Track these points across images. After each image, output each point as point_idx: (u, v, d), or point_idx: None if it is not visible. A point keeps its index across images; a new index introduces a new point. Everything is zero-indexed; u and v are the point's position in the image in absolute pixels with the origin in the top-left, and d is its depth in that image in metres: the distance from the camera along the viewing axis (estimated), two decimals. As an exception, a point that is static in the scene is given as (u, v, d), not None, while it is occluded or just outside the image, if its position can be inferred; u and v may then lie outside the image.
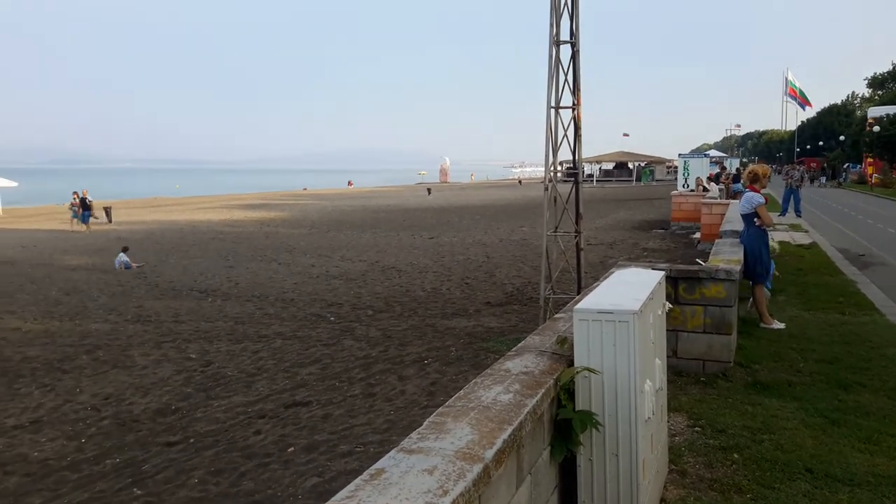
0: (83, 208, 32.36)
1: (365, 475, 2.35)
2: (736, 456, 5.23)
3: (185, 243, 26.72)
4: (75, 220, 32.67)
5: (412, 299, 14.95)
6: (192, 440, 7.44)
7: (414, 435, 2.73)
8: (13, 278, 18.82)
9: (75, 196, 33.08)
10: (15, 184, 50.39)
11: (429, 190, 69.08)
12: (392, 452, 2.55)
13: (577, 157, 11.08)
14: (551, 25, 10.47)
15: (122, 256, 20.63)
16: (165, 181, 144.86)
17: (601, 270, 14.69)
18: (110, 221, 36.57)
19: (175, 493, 6.22)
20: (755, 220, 9.18)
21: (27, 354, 11.11)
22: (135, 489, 6.33)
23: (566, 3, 10.47)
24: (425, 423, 2.87)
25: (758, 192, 9.33)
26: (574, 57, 10.70)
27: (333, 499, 2.18)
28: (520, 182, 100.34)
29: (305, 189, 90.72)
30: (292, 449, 7.07)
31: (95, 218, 33.40)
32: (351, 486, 2.26)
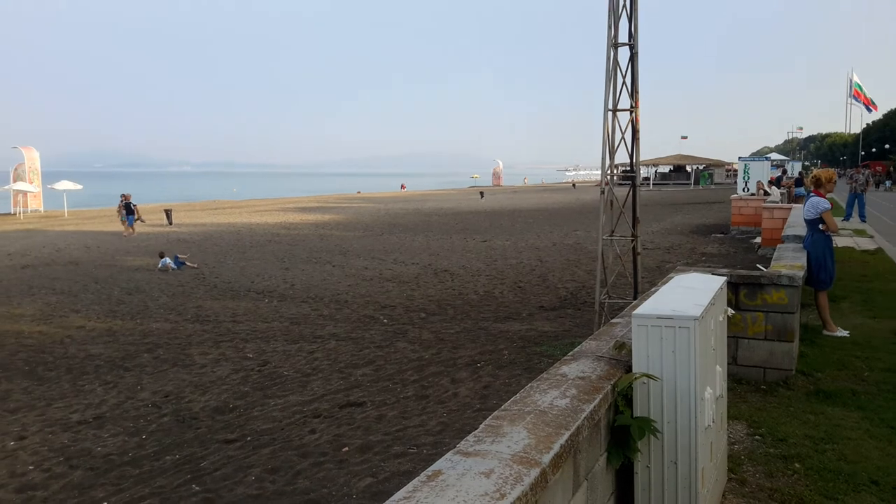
0: (127, 211, 32.66)
1: (422, 476, 2.35)
2: (797, 466, 5.10)
3: (243, 245, 27.22)
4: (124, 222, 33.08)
5: (465, 302, 14.95)
6: (249, 438, 7.57)
7: (470, 437, 2.73)
8: (78, 278, 19.43)
9: (122, 200, 33.44)
10: (80, 187, 52.10)
11: (481, 193, 69.08)
12: (449, 454, 2.55)
13: (634, 160, 10.95)
14: (609, 27, 10.37)
15: (166, 260, 21.10)
16: (223, 184, 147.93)
17: (657, 275, 14.48)
18: (170, 223, 37.47)
19: (233, 489, 6.33)
20: (820, 225, 8.96)
21: (91, 352, 11.45)
22: (193, 485, 6.46)
23: (624, 5, 10.35)
24: (481, 426, 2.87)
25: (823, 196, 9.10)
26: (632, 59, 10.57)
27: (392, 499, 2.19)
28: (573, 185, 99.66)
29: (359, 192, 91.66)
30: (347, 449, 7.13)
31: (142, 221, 33.71)
32: (409, 487, 2.27)
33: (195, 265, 21.23)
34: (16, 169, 50.84)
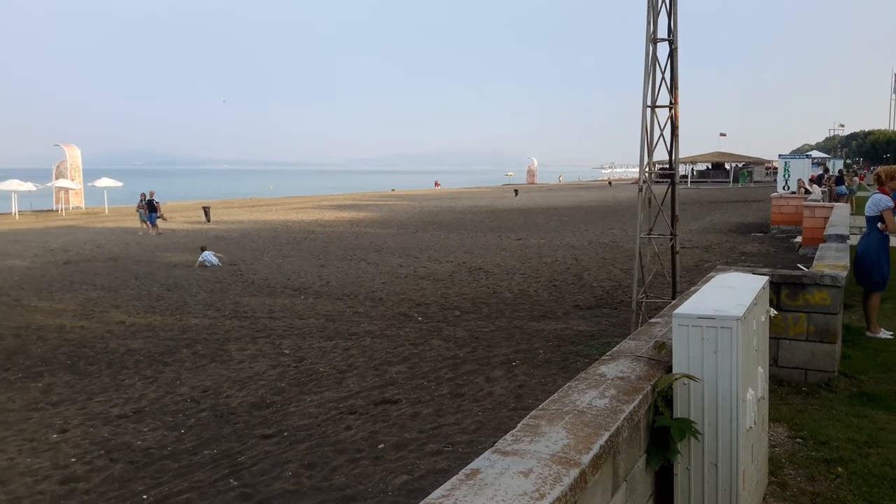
0: (149, 209, 32.40)
1: (460, 475, 2.34)
2: (840, 469, 5.00)
3: (279, 242, 27.49)
4: (147, 223, 32.58)
5: (499, 301, 14.92)
6: (285, 434, 7.64)
7: (508, 437, 2.71)
8: (118, 274, 19.78)
9: (143, 197, 33.08)
10: (120, 184, 53.04)
11: (516, 191, 68.86)
12: (487, 453, 2.54)
13: (673, 158, 10.82)
14: (648, 23, 10.26)
15: (206, 255, 21.36)
16: (260, 182, 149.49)
17: (696, 274, 14.31)
18: (209, 221, 37.96)
19: (270, 484, 6.39)
20: (879, 224, 8.75)
21: (130, 347, 11.65)
22: (231, 480, 6.54)
23: (664, 1, 10.24)
24: (519, 425, 2.85)
25: (887, 194, 8.86)
26: (672, 55, 10.45)
27: (430, 497, 2.19)
28: (609, 183, 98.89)
29: (393, 190, 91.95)
30: (382, 446, 7.16)
31: (165, 220, 33.65)
32: (447, 485, 2.26)
33: (233, 263, 21.45)
34: (58, 166, 51.96)
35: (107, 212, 48.64)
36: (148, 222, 32.50)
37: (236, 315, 13.98)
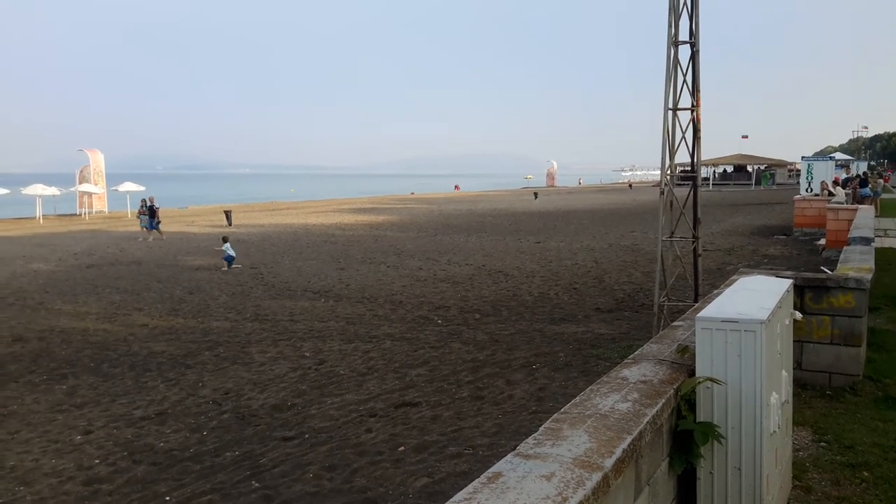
0: (150, 216, 31.52)
1: (482, 478, 2.34)
2: (866, 474, 4.95)
3: (300, 245, 27.61)
4: (145, 228, 31.71)
5: (519, 304, 14.89)
6: (307, 436, 7.67)
7: (530, 440, 2.71)
8: (140, 277, 19.96)
9: (143, 203, 32.33)
10: (143, 188, 53.51)
11: (535, 194, 68.72)
12: (509, 456, 2.54)
13: (696, 160, 10.75)
14: (669, 25, 10.20)
15: (227, 246, 21.70)
16: (281, 186, 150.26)
17: (718, 278, 14.19)
18: (230, 224, 38.20)
19: (291, 486, 6.42)
20: None
21: (153, 349, 11.75)
22: (253, 482, 6.57)
23: (685, 3, 10.18)
24: (541, 428, 2.84)
25: None
26: (693, 57, 10.39)
27: (452, 500, 2.19)
28: (630, 186, 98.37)
29: (413, 193, 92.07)
30: (403, 448, 7.16)
31: (160, 232, 32.09)
32: (469, 488, 2.26)
33: (239, 265, 21.76)
34: (81, 171, 52.52)
35: (129, 216, 49.08)
36: (147, 228, 31.66)
37: (257, 318, 14.06)
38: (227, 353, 11.36)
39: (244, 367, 10.57)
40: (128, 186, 51.91)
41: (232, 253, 21.76)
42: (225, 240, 22.62)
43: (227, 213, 40.22)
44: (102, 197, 53.43)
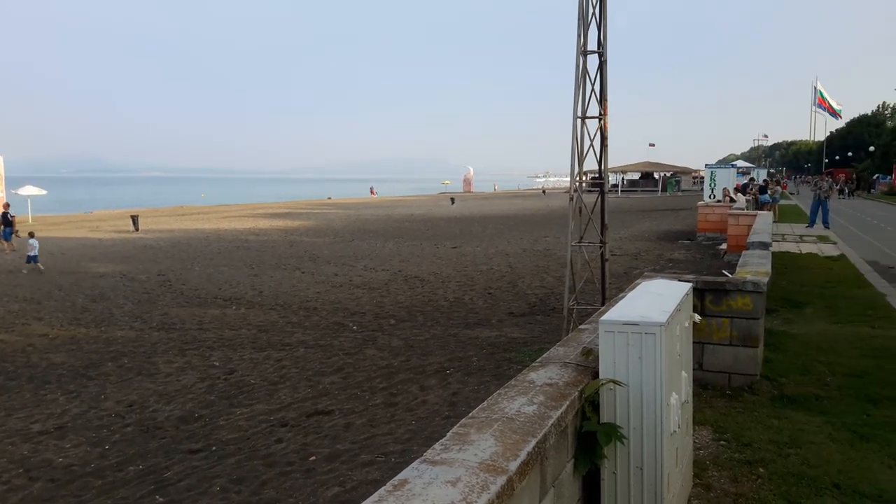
0: (4, 224, 28.30)
1: (388, 486, 2.33)
2: (762, 470, 5.16)
3: (210, 252, 26.93)
4: (3, 240, 28.38)
5: (435, 309, 14.93)
6: (214, 448, 7.47)
7: (437, 446, 2.71)
8: (42, 285, 19.07)
9: None
10: (45, 192, 51.20)
11: (452, 199, 69.13)
12: (415, 463, 2.53)
13: (603, 167, 11.02)
14: (578, 36, 10.44)
15: (32, 241, 21.47)
16: (192, 190, 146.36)
17: (625, 281, 14.58)
18: (137, 230, 36.97)
19: (197, 500, 6.24)
20: None
21: (53, 361, 11.24)
22: (157, 496, 6.35)
23: (594, 14, 10.43)
24: (449, 433, 2.85)
25: None
26: (601, 67, 10.66)
27: (355, 510, 2.17)
28: (544, 192, 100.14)
29: (329, 198, 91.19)
30: (314, 458, 7.06)
31: (18, 236, 29.12)
32: (374, 497, 2.24)
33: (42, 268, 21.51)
34: (-25, 175, 49.84)
35: (31, 221, 46.86)
36: (5, 239, 28.34)
37: (164, 327, 13.63)
38: (132, 364, 10.96)
39: (149, 377, 10.22)
40: (29, 190, 49.54)
41: (35, 253, 21.30)
42: (32, 235, 21.81)
43: (134, 218, 38.90)
44: (1, 200, 50.82)
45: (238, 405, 8.87)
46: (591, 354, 3.88)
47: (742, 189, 34.01)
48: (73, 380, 10.19)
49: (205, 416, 8.51)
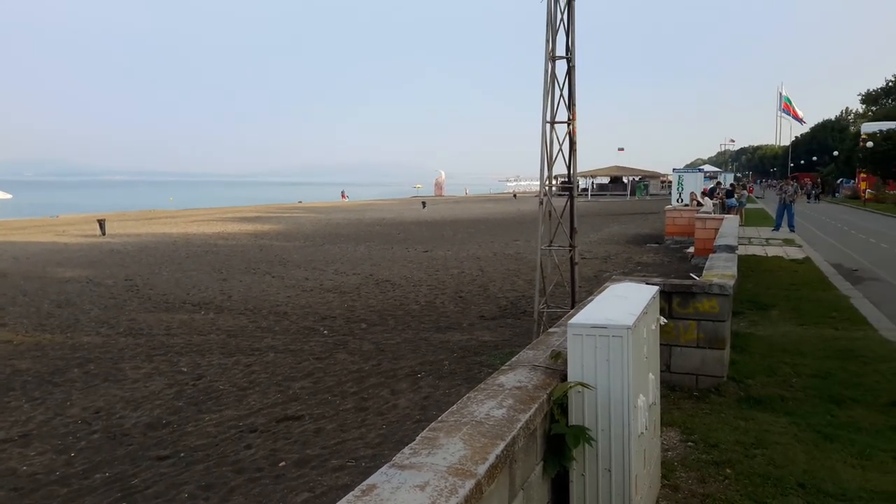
0: None
1: (356, 491, 2.33)
2: (728, 471, 5.23)
3: (179, 256, 26.64)
4: None
5: (406, 313, 14.91)
6: (182, 454, 7.38)
7: (406, 450, 2.71)
8: (5, 290, 18.72)
9: None
10: (9, 196, 50.32)
11: (423, 203, 69.15)
12: (384, 468, 2.54)
13: (572, 172, 11.11)
14: (547, 41, 10.52)
15: None
16: (159, 194, 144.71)
17: (595, 284, 14.69)
18: (104, 234, 36.47)
19: (165, 507, 6.17)
20: None
21: (18, 367, 11.03)
22: (124, 504, 6.27)
23: (562, 20, 10.52)
24: (418, 438, 2.86)
25: None
26: (570, 72, 10.74)
27: (324, 515, 2.16)
28: (514, 196, 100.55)
29: (300, 202, 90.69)
30: (283, 463, 7.02)
31: None
32: (342, 502, 2.24)
33: None
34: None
35: (-8, 225, 46.05)
36: None
37: (131, 332, 13.45)
38: (98, 370, 10.79)
39: (116, 384, 10.08)
40: (-9, 194, 48.72)
41: None
42: None
43: (101, 222, 38.35)
44: (-38, 205, 49.91)
45: (206, 411, 8.78)
46: (559, 357, 3.91)
47: (709, 193, 34.46)
48: (38, 386, 10.02)
49: (173, 422, 8.42)
